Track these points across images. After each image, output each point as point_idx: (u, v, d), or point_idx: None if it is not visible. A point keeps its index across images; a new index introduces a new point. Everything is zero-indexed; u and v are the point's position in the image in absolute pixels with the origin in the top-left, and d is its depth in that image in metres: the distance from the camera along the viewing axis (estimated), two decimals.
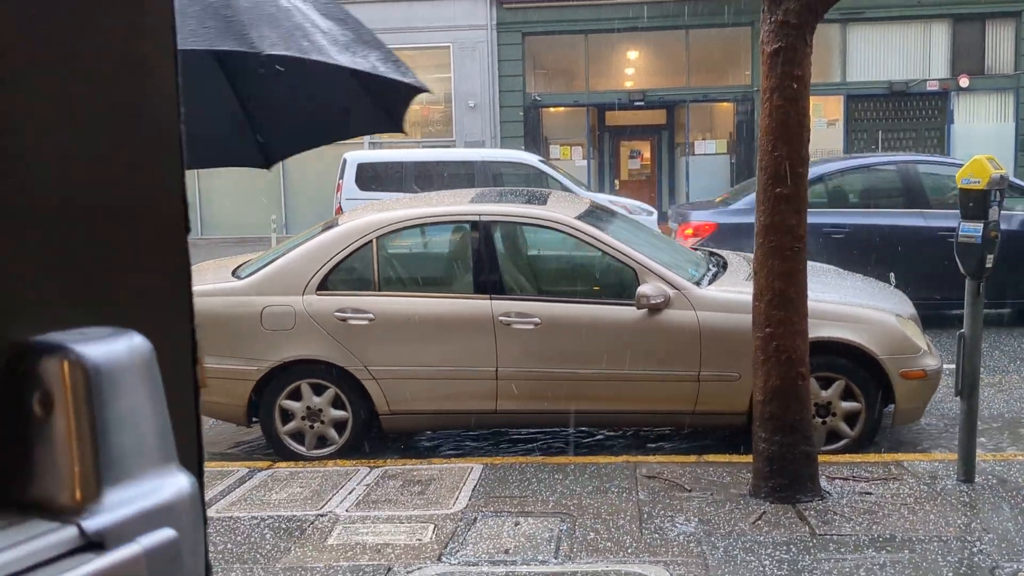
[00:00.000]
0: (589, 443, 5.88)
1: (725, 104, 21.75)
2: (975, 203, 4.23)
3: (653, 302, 5.13)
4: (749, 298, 4.57)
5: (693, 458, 5.08)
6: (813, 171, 9.06)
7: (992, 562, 3.68)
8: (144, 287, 0.54)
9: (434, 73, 21.99)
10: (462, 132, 21.56)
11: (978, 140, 20.90)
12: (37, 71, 0.51)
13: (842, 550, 3.81)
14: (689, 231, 9.20)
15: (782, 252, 4.26)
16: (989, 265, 4.30)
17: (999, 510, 4.19)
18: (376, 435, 5.59)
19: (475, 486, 4.71)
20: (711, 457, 5.10)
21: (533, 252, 6.17)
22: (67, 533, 0.47)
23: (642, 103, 21.53)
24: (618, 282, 5.47)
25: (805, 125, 4.22)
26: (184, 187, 0.56)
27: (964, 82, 20.86)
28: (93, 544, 0.47)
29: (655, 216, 14.85)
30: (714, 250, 6.76)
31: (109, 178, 0.54)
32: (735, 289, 5.31)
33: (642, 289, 5.16)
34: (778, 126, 4.16)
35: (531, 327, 5.27)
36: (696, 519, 4.16)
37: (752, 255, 6.07)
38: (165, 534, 0.49)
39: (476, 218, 5.57)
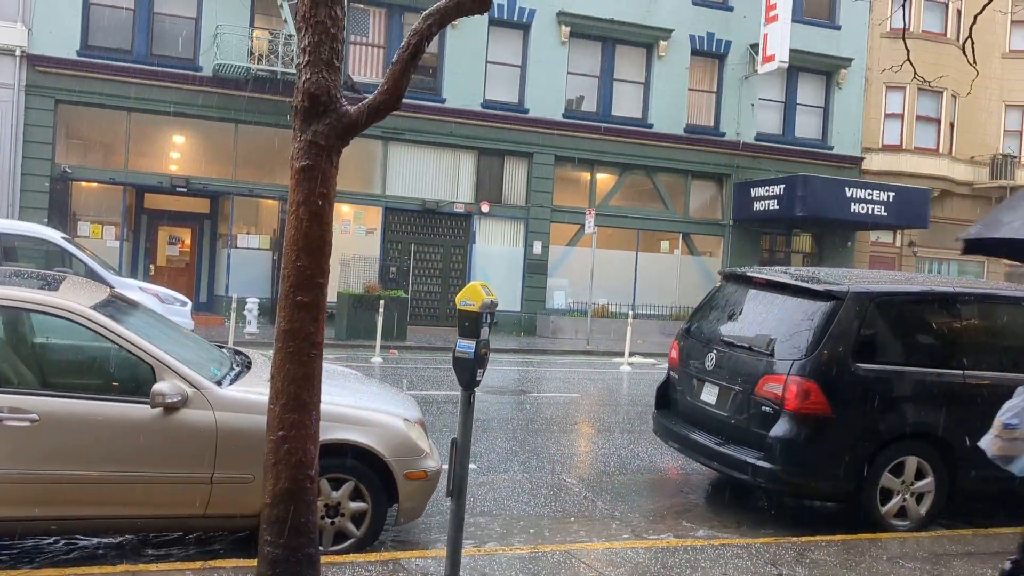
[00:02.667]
0: (88, 551, 5.44)
1: (271, 201, 21.99)
2: (470, 323, 4.77)
3: (169, 401, 4.98)
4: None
5: (198, 564, 4.93)
6: None
7: None
8: None
9: None
10: None
11: (495, 259, 23.54)
12: None
13: None
14: None
15: (300, 357, 4.41)
16: (480, 378, 4.86)
17: None
18: None
19: None
20: (218, 563, 5.00)
21: (40, 341, 5.66)
22: None
23: (185, 190, 20.98)
24: (134, 378, 5.20)
25: (328, 240, 4.47)
26: None
27: (485, 207, 23.43)
28: None
29: (189, 307, 14.38)
30: (240, 349, 6.76)
31: None
32: (256, 390, 5.34)
33: (158, 387, 4.99)
34: (302, 238, 4.36)
35: (27, 424, 4.80)
36: None
37: None
38: None
39: None
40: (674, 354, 8.01)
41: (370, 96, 4.52)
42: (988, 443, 4.92)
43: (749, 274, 7.71)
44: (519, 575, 5.07)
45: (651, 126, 24.73)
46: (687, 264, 25.78)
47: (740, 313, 7.61)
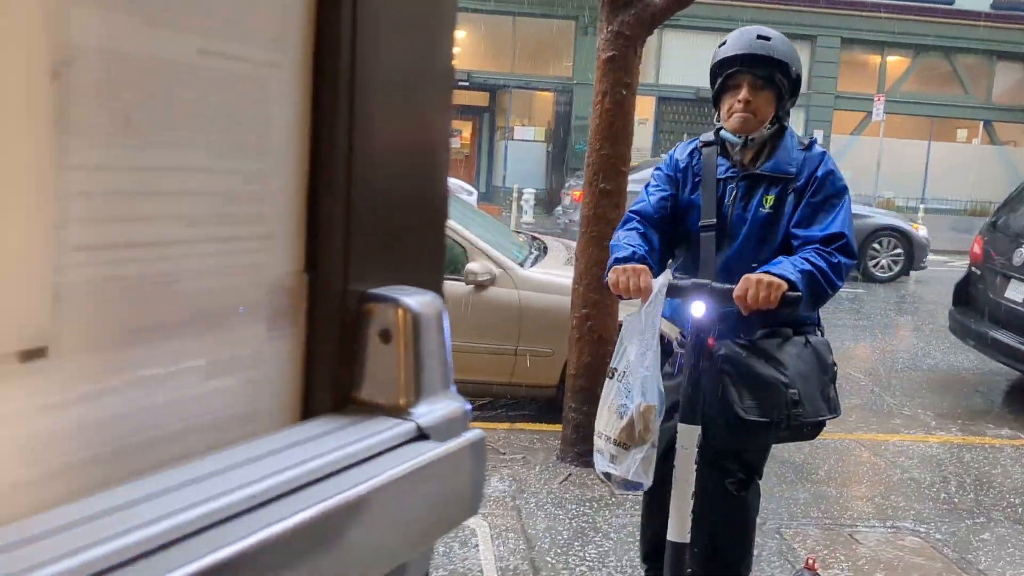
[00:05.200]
0: None
1: (546, 93, 22.44)
2: None
3: (480, 279, 5.47)
4: (566, 281, 4.99)
5: (507, 425, 5.48)
6: None
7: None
8: (427, 260, 0.76)
9: None
10: None
11: None
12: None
13: (637, 507, 4.30)
14: None
15: (602, 242, 4.67)
16: None
17: None
18: None
19: None
20: (523, 425, 5.52)
21: None
22: (408, 427, 0.66)
23: (467, 84, 21.87)
24: (448, 258, 5.76)
25: (630, 129, 4.66)
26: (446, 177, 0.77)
27: None
28: (422, 436, 0.66)
29: (475, 196, 15.27)
30: (536, 235, 7.20)
31: (412, 175, 0.73)
32: (554, 272, 5.74)
33: (470, 266, 5.49)
34: (606, 127, 4.58)
35: None
36: (511, 479, 4.55)
37: (569, 242, 6.55)
38: (478, 432, 0.70)
39: None
40: (977, 249, 7.55)
41: None
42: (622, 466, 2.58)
43: None
44: (807, 458, 5.19)
45: (951, 3, 22.48)
46: (986, 154, 23.58)
47: None
